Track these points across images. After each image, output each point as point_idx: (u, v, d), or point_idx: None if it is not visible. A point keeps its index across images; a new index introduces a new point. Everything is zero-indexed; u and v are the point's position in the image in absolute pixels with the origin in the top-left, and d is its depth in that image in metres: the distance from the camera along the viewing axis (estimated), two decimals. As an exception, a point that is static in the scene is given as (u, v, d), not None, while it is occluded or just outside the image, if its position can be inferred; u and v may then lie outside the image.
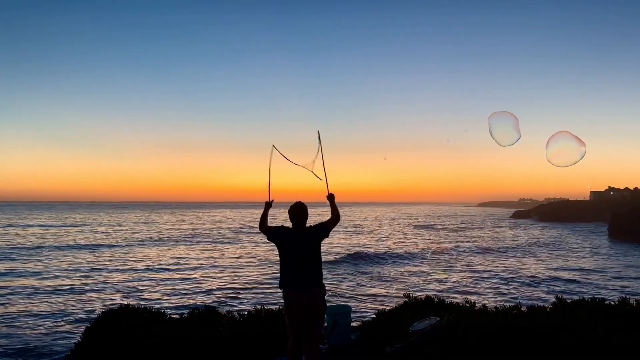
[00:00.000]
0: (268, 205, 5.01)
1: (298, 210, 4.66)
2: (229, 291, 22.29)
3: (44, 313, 17.71)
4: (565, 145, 5.94)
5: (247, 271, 28.60)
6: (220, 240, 51.26)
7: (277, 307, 6.84)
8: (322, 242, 4.71)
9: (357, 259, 33.62)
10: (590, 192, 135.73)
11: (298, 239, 4.58)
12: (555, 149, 5.98)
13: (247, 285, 23.80)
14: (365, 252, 37.12)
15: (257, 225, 4.98)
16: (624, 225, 67.04)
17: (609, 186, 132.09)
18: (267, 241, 4.92)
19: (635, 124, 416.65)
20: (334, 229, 4.81)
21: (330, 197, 4.87)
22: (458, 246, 45.67)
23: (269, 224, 4.86)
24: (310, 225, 4.73)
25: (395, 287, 23.48)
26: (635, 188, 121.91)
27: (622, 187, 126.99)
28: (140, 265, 30.84)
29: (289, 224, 4.78)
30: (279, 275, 4.67)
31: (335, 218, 4.74)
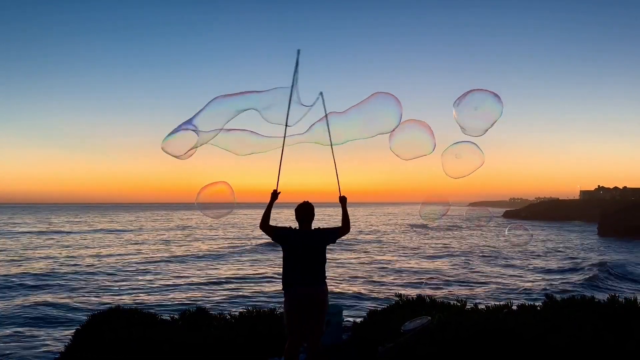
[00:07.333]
0: (273, 196, 4.55)
1: (305, 210, 4.53)
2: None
3: (36, 312, 17.56)
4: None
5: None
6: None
7: (269, 308, 6.81)
8: None
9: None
10: (580, 191, 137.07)
11: (304, 239, 4.46)
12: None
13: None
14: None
15: (259, 224, 4.47)
16: (613, 224, 67.83)
17: (599, 185, 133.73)
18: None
19: (625, 124, 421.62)
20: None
21: (343, 200, 4.64)
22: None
23: (272, 224, 4.47)
24: (319, 228, 4.60)
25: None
26: (625, 187, 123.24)
27: (611, 187, 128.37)
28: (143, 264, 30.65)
29: (295, 225, 4.61)
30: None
31: (345, 228, 4.57)
